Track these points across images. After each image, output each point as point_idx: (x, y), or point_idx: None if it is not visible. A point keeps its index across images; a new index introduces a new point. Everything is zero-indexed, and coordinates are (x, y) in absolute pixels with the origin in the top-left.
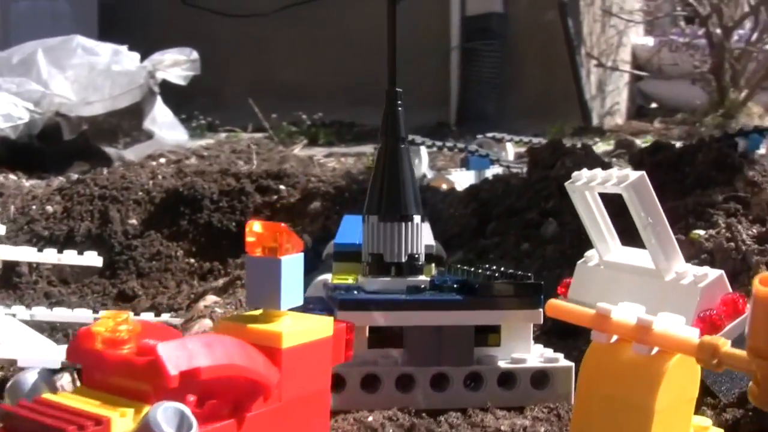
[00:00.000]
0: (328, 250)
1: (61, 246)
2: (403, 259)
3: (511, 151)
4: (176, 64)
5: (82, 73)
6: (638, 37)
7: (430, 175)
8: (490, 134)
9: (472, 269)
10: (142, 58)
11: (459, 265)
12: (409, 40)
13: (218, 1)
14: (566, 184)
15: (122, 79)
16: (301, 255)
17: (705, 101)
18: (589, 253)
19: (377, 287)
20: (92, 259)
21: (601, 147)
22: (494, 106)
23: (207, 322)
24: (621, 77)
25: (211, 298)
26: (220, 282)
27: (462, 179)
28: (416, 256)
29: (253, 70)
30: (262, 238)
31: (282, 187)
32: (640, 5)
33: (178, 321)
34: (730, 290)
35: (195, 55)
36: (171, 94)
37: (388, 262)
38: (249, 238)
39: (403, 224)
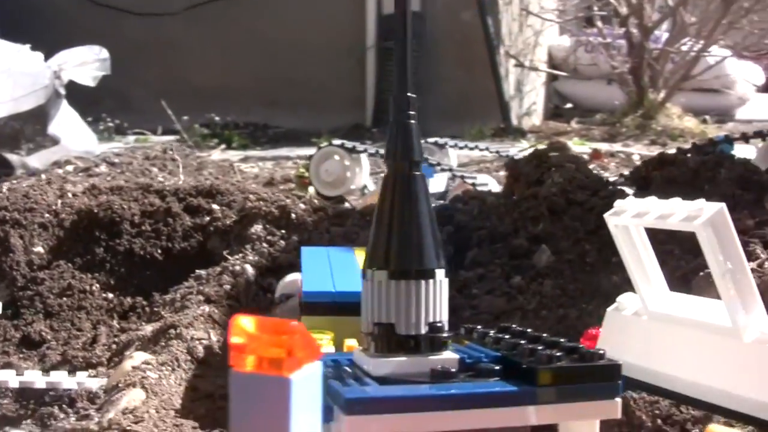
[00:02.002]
0: (281, 290)
1: None
2: (423, 331)
3: (453, 157)
4: (84, 64)
5: None
6: (554, 37)
7: (371, 185)
8: (431, 139)
9: (503, 336)
10: (46, 58)
11: (478, 327)
12: (324, 40)
13: (126, 0)
14: (606, 216)
15: (25, 80)
16: (319, 368)
17: (622, 101)
18: (622, 299)
19: (388, 371)
20: None
21: (530, 151)
22: None
23: (138, 394)
24: (538, 77)
25: (139, 356)
26: (148, 329)
27: None
28: (439, 325)
29: (162, 70)
30: (257, 344)
31: (215, 206)
32: (556, 4)
33: (98, 384)
34: None
35: (105, 53)
36: (76, 95)
37: (401, 335)
38: (235, 339)
39: (423, 283)
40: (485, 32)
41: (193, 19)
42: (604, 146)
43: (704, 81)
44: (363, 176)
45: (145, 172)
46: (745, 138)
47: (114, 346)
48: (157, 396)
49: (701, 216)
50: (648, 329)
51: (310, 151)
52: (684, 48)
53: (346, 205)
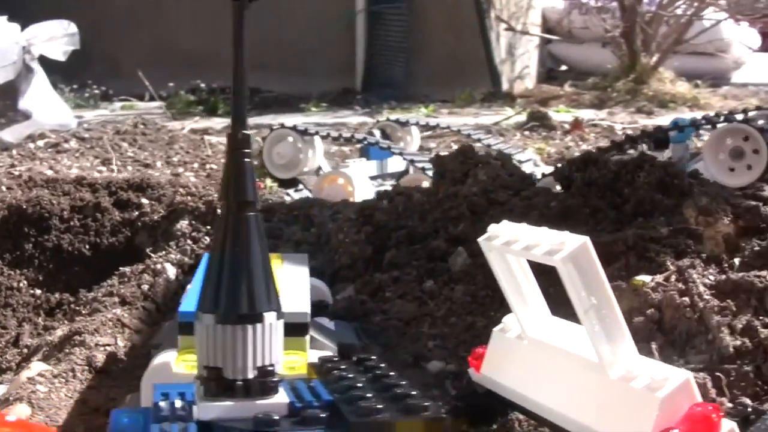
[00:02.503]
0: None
1: None
2: (250, 375)
3: (416, 136)
4: (53, 39)
5: None
6: (548, 0)
7: (326, 167)
8: (393, 117)
9: (346, 374)
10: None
11: (335, 359)
12: (314, 4)
13: None
14: (480, 240)
15: None
16: None
17: (616, 65)
18: (508, 319)
19: (213, 415)
20: None
21: (513, 119)
22: (402, 71)
23: (23, 410)
24: (531, 40)
25: (36, 367)
26: (57, 335)
27: (362, 171)
28: (270, 368)
29: (152, 36)
30: None
31: (144, 200)
32: None
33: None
34: (700, 398)
35: (73, 28)
36: (64, 62)
37: (229, 379)
38: None
39: (250, 327)
40: None
41: None
42: (589, 113)
43: (698, 44)
44: (317, 158)
45: (114, 148)
46: (695, 125)
47: (26, 350)
48: (43, 411)
49: (562, 250)
50: (526, 354)
51: (296, 118)
52: (678, 11)
53: (299, 189)
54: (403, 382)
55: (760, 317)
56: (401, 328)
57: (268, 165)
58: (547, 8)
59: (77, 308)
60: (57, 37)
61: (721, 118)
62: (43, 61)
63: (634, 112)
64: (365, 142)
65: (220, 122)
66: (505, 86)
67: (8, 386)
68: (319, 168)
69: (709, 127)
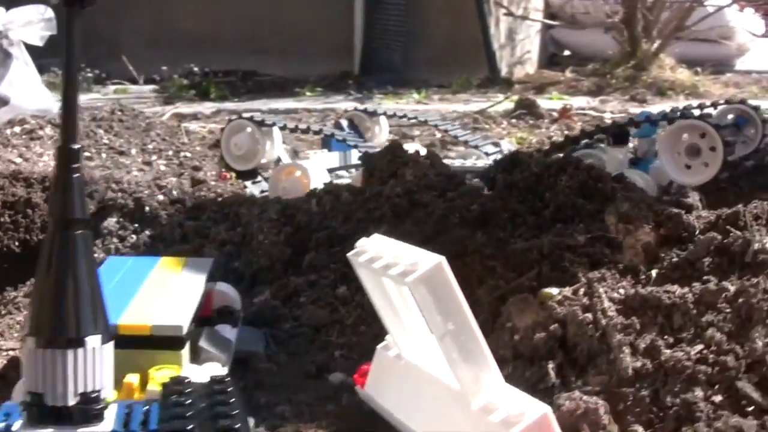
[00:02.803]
0: None
1: None
2: (71, 402)
3: (385, 127)
4: (30, 24)
5: None
6: None
7: (285, 158)
8: (361, 107)
9: (192, 398)
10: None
11: (186, 380)
12: None
13: None
14: (349, 255)
15: None
16: None
17: (617, 51)
18: (391, 337)
19: None
20: None
21: (502, 105)
22: (400, 56)
23: None
24: (532, 25)
25: None
26: None
27: (321, 163)
28: (93, 395)
29: (152, 17)
30: None
31: None
32: None
33: None
34: None
35: (50, 13)
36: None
37: (50, 405)
38: None
39: (71, 352)
40: None
41: None
42: (583, 101)
43: (701, 31)
44: (275, 149)
45: (89, 135)
46: (652, 121)
47: None
48: None
49: (415, 271)
50: (402, 376)
51: (289, 103)
52: None
53: (257, 181)
54: (234, 413)
55: (665, 336)
56: (310, 336)
57: (226, 156)
58: None
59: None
60: (34, 22)
61: (678, 114)
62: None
63: (628, 100)
64: (322, 134)
65: (210, 107)
66: (504, 71)
67: None
68: (279, 159)
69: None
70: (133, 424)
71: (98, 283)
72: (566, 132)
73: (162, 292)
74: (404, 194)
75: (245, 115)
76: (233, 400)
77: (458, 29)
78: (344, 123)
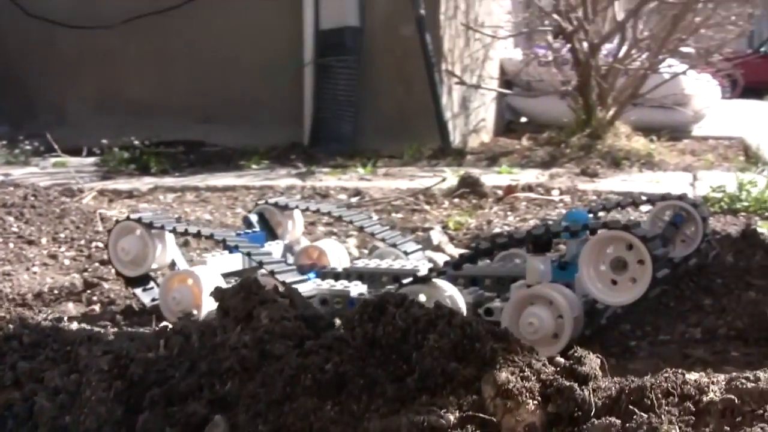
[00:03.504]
0: None
1: None
2: None
3: (300, 221)
4: None
5: None
6: (507, 51)
7: (181, 262)
8: (273, 200)
9: None
10: None
11: None
12: (261, 55)
13: (61, 12)
14: None
15: None
16: None
17: (572, 118)
18: None
19: None
20: None
21: (445, 184)
22: (350, 125)
23: None
24: (487, 93)
25: None
26: None
27: (219, 267)
28: None
29: (98, 84)
30: None
31: None
32: (507, 18)
33: None
34: None
35: None
36: (12, 109)
37: None
38: None
39: None
40: (423, 49)
41: (129, 33)
42: (532, 175)
43: (656, 98)
44: (167, 253)
45: None
46: (571, 231)
47: None
48: None
49: None
50: None
51: (228, 179)
52: (635, 64)
53: (148, 288)
54: None
55: None
56: None
57: (114, 262)
58: (505, 59)
59: None
60: None
61: (601, 223)
62: None
63: (578, 174)
64: (213, 238)
65: (148, 182)
66: (458, 140)
67: None
68: (173, 263)
69: (588, 233)
70: None
71: None
72: (509, 214)
73: None
74: (254, 345)
75: (133, 216)
76: None
77: (409, 98)
78: (253, 218)
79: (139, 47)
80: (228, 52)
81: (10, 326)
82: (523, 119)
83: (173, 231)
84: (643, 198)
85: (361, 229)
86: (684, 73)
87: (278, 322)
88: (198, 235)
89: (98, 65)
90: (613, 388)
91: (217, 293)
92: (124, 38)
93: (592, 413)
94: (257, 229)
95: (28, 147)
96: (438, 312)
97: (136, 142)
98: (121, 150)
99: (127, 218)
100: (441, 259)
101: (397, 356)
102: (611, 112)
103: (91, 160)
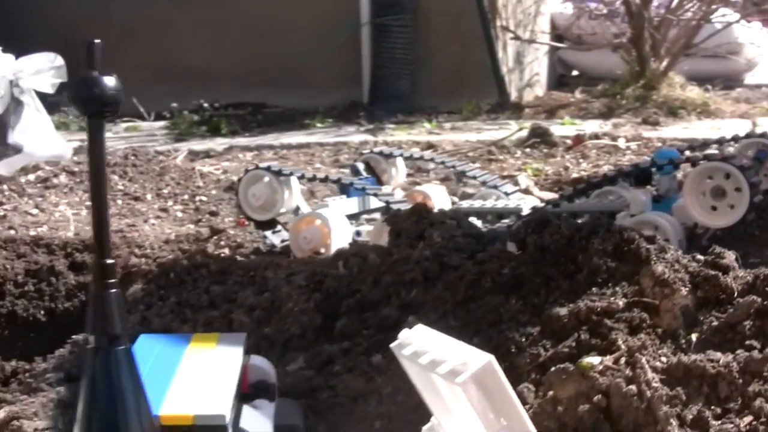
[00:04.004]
0: None
1: None
2: None
3: (402, 169)
4: (40, 72)
5: None
6: (557, 5)
7: (304, 207)
8: (377, 149)
9: None
10: (24, 51)
11: None
12: (318, 18)
13: None
14: (392, 346)
15: None
16: None
17: (625, 70)
18: (436, 421)
19: None
20: None
21: (515, 135)
22: (407, 83)
23: None
24: (540, 48)
25: None
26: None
27: (340, 210)
28: None
29: (154, 53)
30: None
31: None
32: None
33: None
34: None
35: (60, 60)
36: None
37: None
38: None
39: None
40: (479, 5)
41: (184, 0)
42: (595, 125)
43: (709, 48)
44: (294, 198)
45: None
46: (674, 163)
47: None
48: None
49: (465, 372)
50: None
51: (300, 137)
52: (687, 15)
53: (277, 231)
54: None
55: (712, 407)
56: (348, 406)
57: (245, 207)
58: (556, 14)
59: (29, 380)
60: (44, 70)
61: (701, 156)
62: None
63: (640, 123)
64: (340, 182)
65: (222, 143)
66: (514, 95)
67: None
68: (298, 208)
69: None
70: None
71: (143, 394)
72: (581, 161)
73: (199, 375)
74: (434, 257)
75: (262, 165)
76: None
77: (465, 55)
78: (360, 166)
79: (194, 14)
80: (284, 16)
81: (197, 257)
82: (575, 73)
83: (301, 177)
84: (727, 137)
85: (463, 173)
86: (738, 21)
87: (450, 239)
88: (324, 180)
89: (154, 34)
90: (749, 276)
91: (391, 217)
92: (179, 6)
93: (735, 296)
94: (365, 176)
95: None
96: (597, 221)
97: (206, 105)
98: (191, 113)
99: (257, 167)
100: (542, 194)
101: (565, 259)
102: (665, 63)
103: (161, 123)
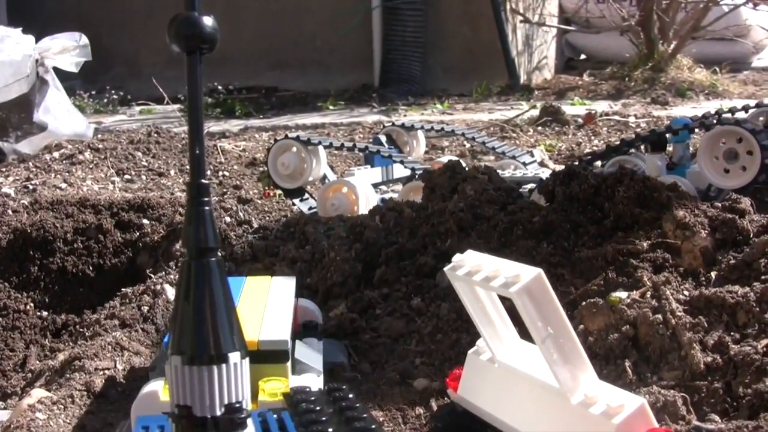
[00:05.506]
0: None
1: None
2: (218, 413)
3: (422, 141)
4: (65, 51)
5: None
6: None
7: (331, 176)
8: (399, 122)
9: (319, 405)
10: (43, 34)
11: (307, 390)
12: (330, 2)
13: None
14: (446, 269)
15: (6, 70)
16: None
17: (634, 53)
18: (482, 342)
19: None
20: None
21: (526, 115)
22: (418, 66)
23: None
24: (548, 31)
25: (36, 394)
26: (59, 359)
27: (366, 178)
28: (237, 405)
29: None
30: None
31: (145, 221)
32: None
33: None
34: (655, 424)
35: (84, 40)
36: (86, 65)
37: (198, 416)
38: None
39: (215, 367)
40: None
41: None
42: (604, 105)
43: (717, 30)
44: (321, 167)
45: (128, 157)
46: (689, 128)
47: (30, 375)
48: None
49: (518, 283)
50: (497, 377)
51: (314, 118)
52: None
53: (305, 199)
54: (365, 416)
55: (731, 333)
56: (389, 345)
57: (274, 175)
58: None
59: (81, 330)
60: (69, 50)
61: (715, 120)
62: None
63: (650, 103)
64: (367, 151)
65: (237, 124)
66: (522, 78)
67: (11, 413)
68: (324, 176)
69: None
70: (273, 431)
71: (233, 304)
72: (593, 138)
73: (258, 309)
74: (467, 209)
75: (291, 135)
76: (358, 404)
77: (475, 37)
78: (382, 138)
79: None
80: (296, 1)
81: (240, 213)
82: (583, 57)
83: (329, 146)
84: (738, 107)
85: (483, 143)
86: (745, 4)
87: (482, 192)
88: (352, 149)
89: (170, 17)
90: (764, 219)
91: (425, 174)
92: None
93: (751, 237)
94: (387, 147)
95: (114, 96)
96: (622, 171)
97: (220, 87)
98: (205, 96)
99: (286, 136)
100: (554, 167)
101: (592, 206)
102: (672, 46)
103: (175, 106)
